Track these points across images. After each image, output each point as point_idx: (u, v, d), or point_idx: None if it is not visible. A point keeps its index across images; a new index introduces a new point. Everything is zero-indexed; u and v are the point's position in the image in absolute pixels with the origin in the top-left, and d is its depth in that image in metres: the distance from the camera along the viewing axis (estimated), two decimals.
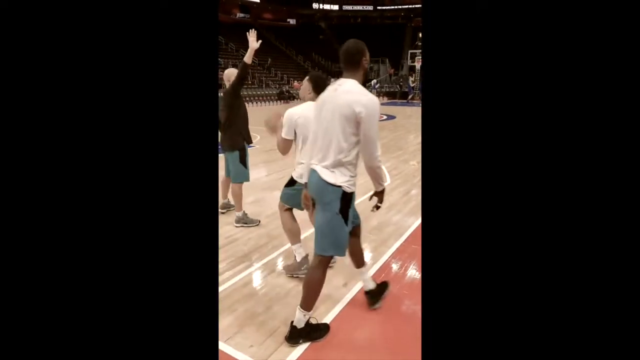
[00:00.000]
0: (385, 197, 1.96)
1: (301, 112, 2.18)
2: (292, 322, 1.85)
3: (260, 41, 2.92)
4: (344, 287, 2.32)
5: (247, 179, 3.32)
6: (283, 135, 2.20)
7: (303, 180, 2.01)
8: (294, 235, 2.45)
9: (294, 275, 2.44)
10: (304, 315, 1.81)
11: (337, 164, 1.68)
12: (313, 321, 1.88)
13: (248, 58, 2.92)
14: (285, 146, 2.24)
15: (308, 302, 1.81)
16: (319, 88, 2.08)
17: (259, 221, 3.40)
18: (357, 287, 2.30)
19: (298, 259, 2.44)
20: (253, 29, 2.97)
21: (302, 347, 1.80)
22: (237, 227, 3.33)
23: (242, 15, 34.77)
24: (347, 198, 1.72)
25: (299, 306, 1.82)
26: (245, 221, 3.35)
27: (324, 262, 1.79)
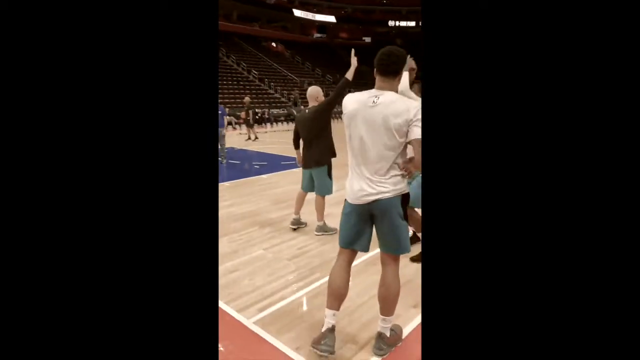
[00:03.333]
0: None
1: None
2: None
3: (356, 57, 3.04)
4: (414, 308, 2.26)
5: (331, 192, 3.49)
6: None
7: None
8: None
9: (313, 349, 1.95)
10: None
11: None
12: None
13: (350, 75, 3.13)
14: None
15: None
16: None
17: (336, 229, 3.50)
18: None
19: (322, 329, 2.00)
20: (354, 52, 3.06)
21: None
22: (317, 235, 3.52)
23: (318, 35, 36.12)
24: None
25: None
26: (325, 230, 3.55)
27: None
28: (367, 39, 37.36)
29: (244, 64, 23.60)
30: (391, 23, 37.01)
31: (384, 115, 1.62)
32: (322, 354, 1.77)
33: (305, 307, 2.31)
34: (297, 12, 33.11)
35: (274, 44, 30.30)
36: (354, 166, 1.78)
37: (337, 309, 1.85)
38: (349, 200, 1.81)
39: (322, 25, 35.90)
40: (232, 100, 18.06)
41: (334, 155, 3.42)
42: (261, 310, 2.27)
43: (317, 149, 3.36)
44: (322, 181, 3.41)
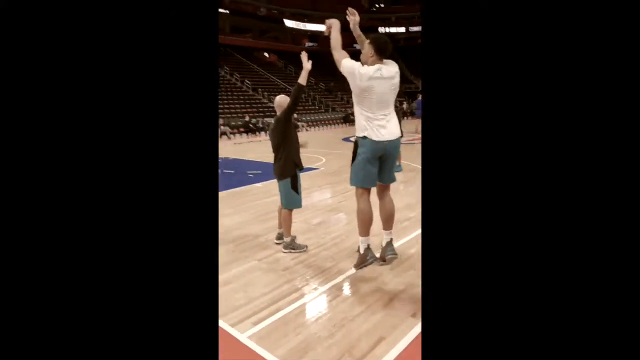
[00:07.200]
0: None
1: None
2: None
3: (310, 62, 3.03)
4: (412, 317, 2.19)
5: (299, 205, 3.28)
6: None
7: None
8: (367, 227, 2.65)
9: (362, 267, 2.66)
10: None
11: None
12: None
13: (303, 79, 2.99)
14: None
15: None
16: (380, 51, 2.53)
17: (307, 247, 3.33)
18: None
19: (361, 251, 2.63)
20: (304, 51, 3.06)
21: None
22: (284, 252, 3.27)
23: (310, 44, 36.41)
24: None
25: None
26: (292, 247, 3.28)
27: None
28: (358, 46, 37.63)
29: (237, 74, 23.67)
30: (381, 29, 37.35)
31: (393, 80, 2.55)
32: (370, 262, 2.61)
33: (300, 319, 2.24)
34: (288, 23, 33.34)
35: (266, 54, 30.46)
36: (379, 115, 2.49)
37: (369, 234, 2.67)
38: (376, 139, 2.45)
39: (314, 35, 36.19)
40: (227, 110, 18.05)
41: (299, 167, 3.20)
42: (255, 323, 2.20)
43: (279, 161, 3.18)
44: (286, 194, 3.20)
